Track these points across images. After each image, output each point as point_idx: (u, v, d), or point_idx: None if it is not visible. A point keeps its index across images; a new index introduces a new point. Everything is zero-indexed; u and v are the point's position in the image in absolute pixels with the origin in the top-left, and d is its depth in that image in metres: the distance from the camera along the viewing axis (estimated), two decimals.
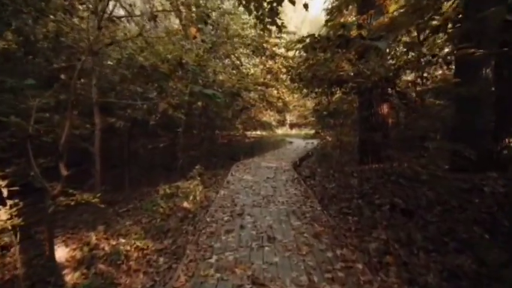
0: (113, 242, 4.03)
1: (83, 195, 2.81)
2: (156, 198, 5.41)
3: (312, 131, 18.80)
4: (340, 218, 4.20)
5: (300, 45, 3.22)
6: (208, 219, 3.90)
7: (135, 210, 5.75)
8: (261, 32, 12.44)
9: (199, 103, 9.56)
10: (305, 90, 7.21)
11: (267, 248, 2.99)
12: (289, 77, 6.53)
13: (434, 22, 4.75)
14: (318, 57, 4.84)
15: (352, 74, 5.10)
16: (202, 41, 6.64)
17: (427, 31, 3.25)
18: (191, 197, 5.48)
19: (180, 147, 7.14)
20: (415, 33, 4.48)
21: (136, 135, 8.28)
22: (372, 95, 5.14)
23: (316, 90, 6.72)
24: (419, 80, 4.35)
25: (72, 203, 2.74)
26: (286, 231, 3.41)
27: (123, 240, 4.06)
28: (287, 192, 5.25)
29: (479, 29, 2.96)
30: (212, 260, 2.77)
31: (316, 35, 3.47)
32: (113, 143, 8.23)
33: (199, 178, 7.18)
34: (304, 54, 5.32)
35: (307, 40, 3.23)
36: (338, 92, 6.34)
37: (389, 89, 5.43)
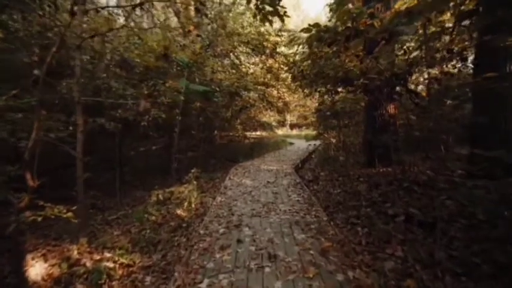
0: (97, 257, 3.63)
1: (55, 208, 2.41)
2: (147, 205, 5.01)
3: (313, 132, 18.43)
4: (348, 229, 3.80)
5: (304, 36, 2.81)
6: (201, 232, 3.49)
7: (126, 217, 5.36)
8: (261, 25, 12.08)
9: (198, 103, 9.18)
10: (307, 90, 6.80)
11: (267, 269, 2.58)
12: (290, 74, 6.11)
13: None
14: (325, 51, 4.44)
15: (359, 71, 4.70)
16: (198, 35, 6.24)
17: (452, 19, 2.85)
18: (185, 204, 5.09)
19: (175, 150, 6.74)
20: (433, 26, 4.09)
21: (129, 137, 7.88)
22: (381, 94, 4.74)
23: (319, 89, 6.32)
24: (436, 77, 3.96)
25: (39, 219, 2.35)
26: (289, 247, 3.01)
27: (108, 255, 3.66)
28: (289, 199, 4.85)
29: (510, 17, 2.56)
30: (203, 286, 2.37)
31: (322, 26, 3.07)
32: (106, 145, 7.83)
33: (195, 182, 6.78)
34: (307, 49, 4.92)
35: (313, 30, 2.83)
36: (343, 90, 5.94)
37: (398, 88, 5.04)
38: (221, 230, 3.49)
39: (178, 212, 5.00)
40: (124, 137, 7.90)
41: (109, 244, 3.97)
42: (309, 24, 2.70)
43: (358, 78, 4.93)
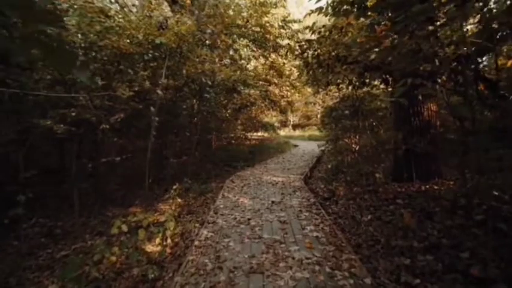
0: None
1: None
2: (97, 245, 3.57)
3: (318, 133, 16.95)
4: None
5: None
6: None
7: (78, 254, 3.92)
8: (262, 16, 10.72)
9: (195, 101, 7.84)
10: (322, 82, 5.36)
11: None
12: (302, 61, 4.67)
13: None
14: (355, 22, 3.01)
15: (407, 49, 3.25)
16: (175, 1, 4.82)
17: None
18: (158, 239, 3.67)
19: (148, 158, 5.36)
20: None
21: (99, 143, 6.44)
22: (444, 84, 3.31)
23: (339, 80, 4.89)
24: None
25: None
26: None
27: None
28: (304, 234, 3.40)
29: None
30: None
31: None
32: (85, 152, 6.42)
33: (180, 200, 5.36)
34: (330, 20, 3.50)
35: None
36: (372, 82, 4.49)
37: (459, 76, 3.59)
38: None
39: (149, 248, 3.60)
40: (83, 142, 6.49)
41: None
42: None
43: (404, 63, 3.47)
